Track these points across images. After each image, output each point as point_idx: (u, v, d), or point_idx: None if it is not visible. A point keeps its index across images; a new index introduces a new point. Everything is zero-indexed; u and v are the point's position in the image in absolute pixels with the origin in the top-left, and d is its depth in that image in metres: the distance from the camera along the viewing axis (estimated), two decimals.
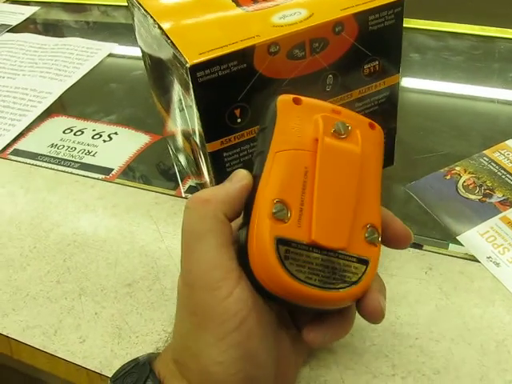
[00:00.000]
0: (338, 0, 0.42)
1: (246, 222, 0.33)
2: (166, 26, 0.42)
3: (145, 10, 0.45)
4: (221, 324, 0.31)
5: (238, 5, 0.43)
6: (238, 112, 0.41)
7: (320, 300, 0.32)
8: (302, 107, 0.35)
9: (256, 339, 0.32)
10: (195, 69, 0.38)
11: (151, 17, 0.44)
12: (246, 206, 0.34)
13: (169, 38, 0.41)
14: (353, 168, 0.34)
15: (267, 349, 0.33)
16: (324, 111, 0.35)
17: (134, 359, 0.37)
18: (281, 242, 0.31)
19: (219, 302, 0.31)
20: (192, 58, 0.38)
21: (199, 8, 0.44)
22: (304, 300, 0.32)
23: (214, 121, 0.41)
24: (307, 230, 0.32)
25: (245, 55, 0.39)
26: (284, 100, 0.35)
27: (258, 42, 0.39)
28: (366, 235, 0.33)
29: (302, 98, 0.35)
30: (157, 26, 0.42)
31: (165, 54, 0.43)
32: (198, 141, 0.44)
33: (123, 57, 0.85)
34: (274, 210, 0.31)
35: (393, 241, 0.36)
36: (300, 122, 0.34)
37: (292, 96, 0.35)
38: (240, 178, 0.34)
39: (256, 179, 0.33)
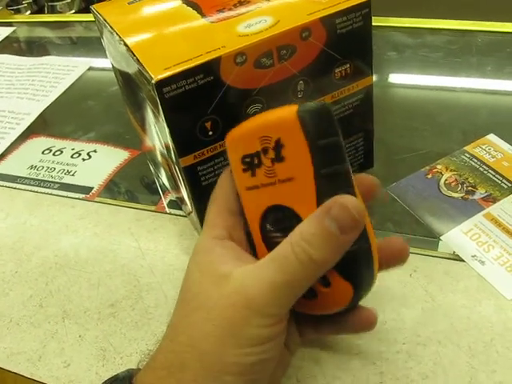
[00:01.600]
0: (303, 5, 0.42)
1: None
2: (130, 41, 0.41)
3: (111, 27, 0.44)
4: (248, 338, 0.31)
5: (203, 16, 0.43)
6: (208, 125, 0.41)
7: None
8: None
9: (270, 351, 0.33)
10: (161, 84, 0.37)
11: (117, 33, 0.43)
12: None
13: (134, 55, 0.40)
14: None
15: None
16: None
17: (113, 375, 0.36)
18: None
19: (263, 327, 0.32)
20: (157, 74, 0.37)
21: (164, 21, 0.43)
22: None
23: (185, 135, 0.40)
24: None
25: (211, 67, 0.38)
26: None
27: (223, 53, 0.38)
28: None
29: None
30: (122, 42, 0.42)
31: (132, 70, 0.42)
32: (172, 155, 0.43)
33: (101, 72, 0.84)
34: None
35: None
36: None
37: None
38: (356, 224, 0.30)
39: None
